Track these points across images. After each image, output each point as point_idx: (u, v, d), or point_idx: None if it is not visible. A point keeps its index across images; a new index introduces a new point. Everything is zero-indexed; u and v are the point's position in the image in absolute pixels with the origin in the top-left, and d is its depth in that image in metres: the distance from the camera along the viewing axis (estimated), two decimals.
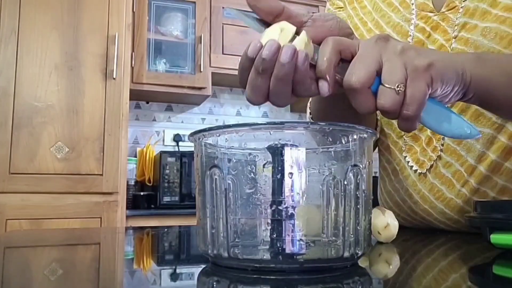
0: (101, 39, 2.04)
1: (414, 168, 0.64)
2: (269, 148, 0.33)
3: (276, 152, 0.33)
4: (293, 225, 0.32)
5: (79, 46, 2.01)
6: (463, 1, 0.59)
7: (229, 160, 0.34)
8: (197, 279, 0.34)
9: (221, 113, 2.81)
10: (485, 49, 0.56)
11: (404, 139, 0.66)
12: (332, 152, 0.34)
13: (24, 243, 0.58)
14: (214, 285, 0.31)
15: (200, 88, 2.45)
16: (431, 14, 0.61)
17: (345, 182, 0.33)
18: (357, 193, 0.34)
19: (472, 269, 0.37)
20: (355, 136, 0.34)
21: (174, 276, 0.36)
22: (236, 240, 0.33)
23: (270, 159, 0.33)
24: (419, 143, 0.64)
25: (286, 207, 0.32)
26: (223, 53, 2.51)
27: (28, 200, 1.86)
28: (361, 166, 0.34)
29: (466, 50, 0.58)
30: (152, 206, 2.30)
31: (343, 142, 0.34)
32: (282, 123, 0.33)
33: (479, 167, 0.59)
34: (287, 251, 0.32)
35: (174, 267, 0.41)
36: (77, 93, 1.98)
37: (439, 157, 0.62)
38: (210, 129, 0.35)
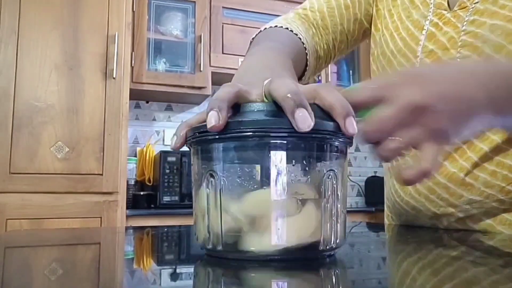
0: (101, 38, 2.04)
1: None
2: (256, 150, 0.36)
3: (262, 154, 0.36)
4: (276, 219, 0.35)
5: (79, 45, 2.01)
6: (474, 3, 0.63)
7: (224, 161, 0.37)
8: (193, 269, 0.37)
9: None
10: (492, 43, 0.59)
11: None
12: (315, 154, 0.37)
13: (24, 243, 0.58)
14: (209, 272, 0.32)
15: (200, 88, 2.45)
16: (444, 12, 0.66)
17: (325, 183, 0.37)
18: (336, 192, 0.37)
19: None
20: (332, 144, 0.37)
21: (174, 276, 0.36)
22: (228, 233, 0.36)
23: (258, 160, 0.36)
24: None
25: (271, 203, 0.35)
26: (223, 53, 2.51)
27: (28, 200, 1.86)
28: (336, 170, 0.38)
29: (475, 43, 0.61)
30: (152, 205, 2.30)
31: (324, 150, 0.38)
32: (268, 130, 0.35)
33: (481, 146, 0.61)
34: (272, 242, 0.35)
35: (174, 267, 0.42)
36: (77, 92, 1.98)
37: None
38: (203, 131, 0.37)
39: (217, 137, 0.36)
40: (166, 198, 2.22)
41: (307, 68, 0.72)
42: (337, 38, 0.79)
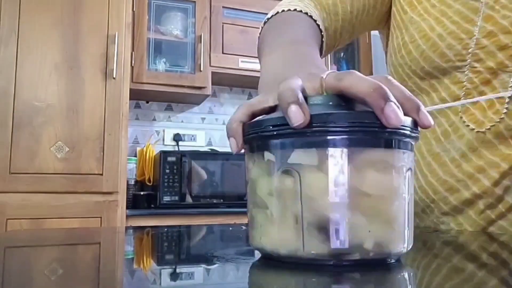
0: (101, 38, 2.04)
1: (471, 127, 0.64)
2: (321, 148, 0.33)
3: (328, 153, 0.33)
4: (347, 221, 0.33)
5: (79, 45, 2.01)
6: None
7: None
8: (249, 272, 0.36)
9: (221, 113, 2.81)
10: None
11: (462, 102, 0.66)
12: (394, 152, 0.35)
13: (25, 243, 0.58)
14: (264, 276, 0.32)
15: (200, 88, 2.45)
16: None
17: (405, 183, 0.35)
18: (410, 192, 0.35)
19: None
20: (409, 140, 0.35)
21: (174, 276, 0.36)
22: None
23: (339, 155, 0.33)
24: (477, 106, 0.64)
25: (342, 204, 0.33)
26: (223, 53, 2.51)
27: (29, 199, 1.86)
28: (412, 168, 0.36)
29: None
30: (152, 205, 2.30)
31: (402, 147, 0.35)
32: (362, 124, 0.33)
33: None
34: (338, 246, 0.33)
35: (174, 267, 0.42)
36: (77, 92, 1.98)
37: (502, 119, 0.62)
38: (281, 124, 0.34)
39: (304, 131, 0.33)
40: (166, 198, 2.22)
41: (321, 56, 0.69)
42: (345, 26, 0.76)
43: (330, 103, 0.35)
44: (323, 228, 0.33)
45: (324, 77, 0.36)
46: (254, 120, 0.37)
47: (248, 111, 0.39)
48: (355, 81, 0.34)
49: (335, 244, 0.32)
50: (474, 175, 0.64)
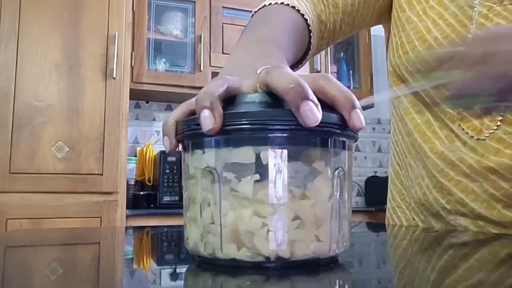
0: (101, 38, 2.04)
1: (470, 134, 0.64)
2: (260, 145, 0.32)
3: (259, 153, 0.32)
4: (276, 223, 0.32)
5: (79, 45, 2.01)
6: None
7: (224, 157, 0.33)
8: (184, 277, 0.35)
9: None
10: None
11: (458, 109, 0.65)
12: (319, 151, 0.34)
13: (25, 243, 0.58)
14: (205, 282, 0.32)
15: (200, 88, 2.45)
16: (493, 5, 0.63)
17: (333, 182, 0.34)
18: (343, 193, 0.34)
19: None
20: (340, 138, 0.34)
21: (174, 276, 0.36)
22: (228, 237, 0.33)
23: (261, 156, 0.32)
24: (472, 113, 0.62)
25: (271, 205, 0.32)
26: (223, 53, 2.51)
27: (29, 199, 1.86)
28: (345, 168, 0.35)
29: None
30: (152, 205, 2.30)
31: (329, 145, 0.34)
32: (265, 124, 0.32)
33: None
34: (271, 248, 0.32)
35: (174, 267, 0.42)
36: (77, 92, 1.98)
37: (499, 127, 0.61)
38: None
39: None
40: (166, 198, 2.22)
41: (309, 52, 0.68)
42: (345, 19, 0.74)
43: (257, 100, 0.33)
44: (248, 232, 0.32)
45: (258, 72, 0.35)
46: (185, 119, 0.36)
47: (186, 110, 0.38)
48: (277, 77, 0.33)
49: (263, 246, 0.32)
50: (488, 176, 0.62)
